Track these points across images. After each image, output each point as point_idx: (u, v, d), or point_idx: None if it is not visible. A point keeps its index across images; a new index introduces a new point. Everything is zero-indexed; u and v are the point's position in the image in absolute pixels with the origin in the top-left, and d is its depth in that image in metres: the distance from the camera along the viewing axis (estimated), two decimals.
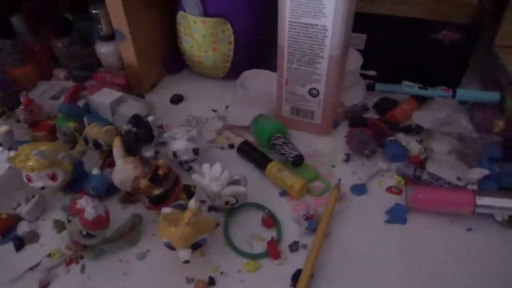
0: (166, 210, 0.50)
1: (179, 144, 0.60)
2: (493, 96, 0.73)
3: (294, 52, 0.64)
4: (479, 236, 0.56)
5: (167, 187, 0.54)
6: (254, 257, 0.53)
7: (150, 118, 0.61)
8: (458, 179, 0.64)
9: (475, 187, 0.61)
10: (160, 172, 0.55)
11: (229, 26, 0.76)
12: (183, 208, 0.51)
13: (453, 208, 0.57)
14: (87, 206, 0.48)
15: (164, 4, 0.81)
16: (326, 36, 0.60)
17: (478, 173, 0.62)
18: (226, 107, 0.78)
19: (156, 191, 0.53)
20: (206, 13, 0.75)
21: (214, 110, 0.78)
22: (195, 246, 0.49)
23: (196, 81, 0.87)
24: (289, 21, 0.61)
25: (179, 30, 0.81)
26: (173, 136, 0.61)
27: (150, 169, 0.55)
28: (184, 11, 0.76)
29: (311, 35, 0.61)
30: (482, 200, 0.55)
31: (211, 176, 0.53)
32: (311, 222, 0.57)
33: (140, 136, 0.59)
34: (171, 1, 0.80)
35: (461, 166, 0.66)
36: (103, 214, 0.50)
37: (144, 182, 0.52)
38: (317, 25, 0.59)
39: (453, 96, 0.75)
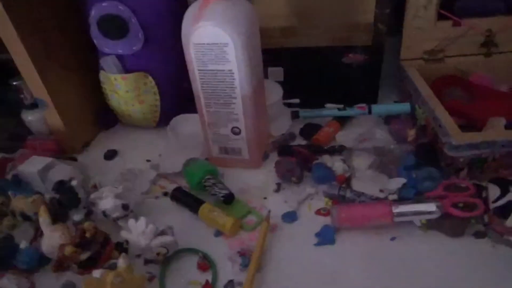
0: (96, 273, 0.50)
1: (107, 202, 0.61)
2: (404, 107, 0.79)
3: (209, 97, 0.67)
4: (402, 243, 0.60)
5: (95, 249, 0.54)
6: None
7: (74, 182, 0.62)
8: (381, 191, 0.68)
9: (395, 196, 0.65)
10: (87, 235, 0.55)
11: (150, 78, 0.79)
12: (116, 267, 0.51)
13: (374, 221, 0.60)
14: (10, 284, 0.48)
15: (83, 66, 0.83)
16: (234, 79, 0.64)
17: (396, 182, 0.66)
18: (160, 155, 0.80)
19: (84, 256, 0.53)
20: (125, 69, 0.78)
21: (148, 160, 0.79)
22: None
23: (130, 134, 0.88)
24: (198, 69, 0.64)
25: (103, 88, 0.83)
26: (100, 196, 0.61)
27: (77, 234, 0.56)
28: (104, 70, 0.79)
29: (220, 80, 0.64)
30: (397, 209, 0.59)
31: (137, 231, 0.54)
32: (245, 258, 0.58)
33: (64, 201, 0.59)
34: (90, 62, 0.82)
35: (383, 178, 0.70)
36: None
37: (68, 249, 0.52)
38: (223, 70, 0.63)
39: (369, 112, 0.80)
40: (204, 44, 0.61)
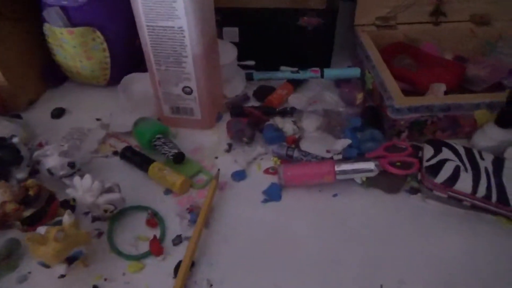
0: (41, 229, 0.50)
1: (52, 160, 0.60)
2: (354, 71, 0.81)
3: (159, 55, 0.66)
4: (344, 199, 0.64)
5: (39, 206, 0.54)
6: (137, 258, 0.55)
7: (15, 139, 0.60)
8: (328, 151, 0.71)
9: (340, 157, 0.69)
10: (30, 192, 0.54)
11: (99, 33, 0.75)
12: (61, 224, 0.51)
13: (318, 179, 0.63)
14: None
15: (26, 17, 0.78)
16: (184, 37, 0.62)
17: (342, 143, 0.69)
18: (110, 114, 0.78)
19: (27, 213, 0.53)
20: (71, 23, 0.74)
21: (98, 119, 0.78)
22: (71, 260, 0.50)
23: (79, 92, 0.85)
24: (147, 25, 0.62)
25: (48, 42, 0.79)
26: (44, 154, 0.60)
27: (20, 191, 0.55)
28: (49, 23, 0.74)
29: (170, 37, 0.63)
30: (340, 167, 0.62)
31: (83, 188, 0.54)
32: (193, 214, 0.60)
33: (5, 158, 0.57)
34: (31, 13, 0.77)
35: (330, 139, 0.73)
36: None
37: (10, 206, 0.52)
38: (173, 27, 0.62)
39: (322, 76, 0.82)
40: None
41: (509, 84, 0.78)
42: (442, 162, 0.62)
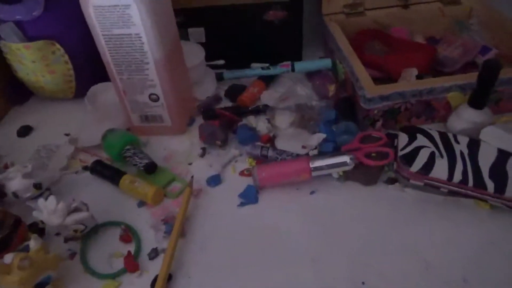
0: (8, 257, 0.48)
1: (16, 183, 0.57)
2: (325, 62, 0.79)
3: (119, 63, 0.63)
4: (322, 196, 0.62)
5: (5, 233, 0.52)
6: (112, 276, 0.53)
7: None
8: (304, 147, 0.70)
9: (316, 152, 0.67)
10: None
11: (58, 46, 0.73)
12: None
13: (294, 178, 0.62)
14: None
15: None
16: (143, 43, 0.60)
17: (317, 138, 0.68)
18: (79, 129, 0.76)
19: None
20: (28, 37, 0.71)
21: (66, 134, 0.75)
22: (40, 286, 0.48)
23: (45, 107, 0.82)
24: (103, 35, 0.60)
25: (7, 59, 0.76)
26: (8, 177, 0.58)
27: None
28: (4, 39, 0.71)
29: (129, 45, 0.61)
30: (314, 164, 0.61)
31: (48, 210, 0.52)
32: (168, 225, 0.58)
33: None
34: None
35: (305, 135, 0.71)
36: None
37: None
38: (130, 34, 0.59)
39: (293, 70, 0.80)
40: (104, 6, 0.56)
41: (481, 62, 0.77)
42: (417, 150, 0.61)
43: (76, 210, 0.54)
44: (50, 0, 0.69)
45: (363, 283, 0.51)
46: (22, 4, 0.68)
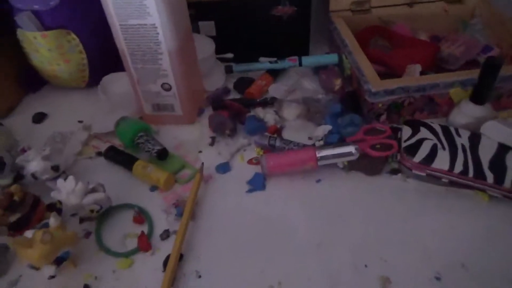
0: (28, 233, 0.50)
1: (35, 165, 0.60)
2: (332, 58, 0.82)
3: (134, 53, 0.66)
4: (326, 184, 0.65)
5: (25, 211, 0.54)
6: (126, 255, 0.56)
7: None
8: (310, 138, 0.72)
9: (321, 143, 0.70)
10: (16, 198, 0.55)
11: (73, 35, 0.75)
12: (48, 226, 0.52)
13: (301, 166, 0.64)
14: None
15: None
16: (158, 33, 0.63)
17: (323, 129, 0.70)
18: (92, 116, 0.78)
19: (13, 218, 0.53)
20: (44, 27, 0.73)
21: (80, 121, 0.78)
22: (59, 261, 0.50)
23: (59, 96, 0.85)
24: (119, 24, 0.62)
25: (23, 47, 0.78)
26: (27, 159, 0.60)
27: (5, 197, 0.55)
28: (22, 28, 0.74)
29: (144, 35, 0.63)
30: (321, 153, 0.63)
31: (67, 190, 0.55)
32: (179, 208, 0.61)
33: None
34: (3, 19, 0.76)
35: (311, 126, 0.74)
36: None
37: None
38: (145, 24, 0.62)
39: (300, 64, 0.82)
40: None
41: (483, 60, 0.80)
42: (420, 142, 0.63)
43: (93, 190, 0.56)
44: None
45: (365, 266, 0.54)
46: None
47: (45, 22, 0.73)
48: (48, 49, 0.75)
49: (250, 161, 0.69)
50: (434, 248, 0.55)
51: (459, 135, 0.65)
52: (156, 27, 0.62)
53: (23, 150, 0.71)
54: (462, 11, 0.90)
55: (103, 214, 0.60)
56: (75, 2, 0.73)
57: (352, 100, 0.75)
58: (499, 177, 0.58)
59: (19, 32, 0.75)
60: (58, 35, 0.74)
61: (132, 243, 0.57)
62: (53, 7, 0.71)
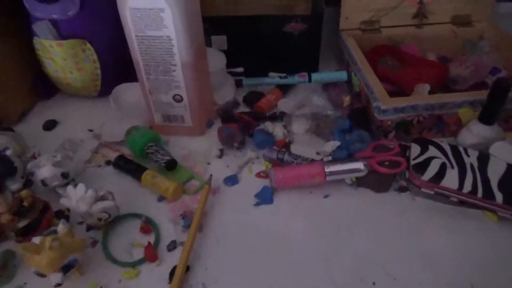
0: (36, 239, 0.50)
1: (45, 171, 0.60)
2: (341, 75, 0.83)
3: (148, 64, 0.67)
4: (335, 200, 0.65)
5: (34, 217, 0.54)
6: (133, 264, 0.56)
7: (8, 151, 0.60)
8: (318, 153, 0.72)
9: (329, 158, 0.70)
10: (25, 203, 0.55)
11: (89, 45, 0.76)
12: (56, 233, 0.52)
13: (309, 181, 0.64)
14: None
15: (16, 32, 0.78)
16: (173, 45, 0.64)
17: (331, 145, 0.71)
18: (103, 124, 0.79)
19: (21, 223, 0.53)
20: (61, 36, 0.75)
21: (90, 130, 0.78)
22: (66, 269, 0.50)
23: (70, 103, 0.86)
24: (136, 35, 0.64)
25: (39, 55, 0.79)
26: (37, 165, 0.61)
27: (14, 202, 0.55)
28: (38, 36, 0.75)
29: (159, 46, 0.64)
30: (329, 168, 0.63)
31: (76, 197, 0.55)
32: (187, 219, 0.61)
33: None
34: (23, 28, 0.77)
35: (319, 142, 0.74)
36: None
37: (5, 217, 0.52)
38: (161, 36, 0.63)
39: (310, 80, 0.83)
40: (140, 8, 0.60)
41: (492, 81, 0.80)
42: (429, 160, 0.64)
43: (103, 198, 0.56)
44: (85, 0, 0.73)
45: (373, 283, 0.53)
46: (59, 3, 0.72)
47: (62, 31, 0.75)
48: (63, 58, 0.76)
49: (258, 174, 0.69)
50: (443, 267, 0.55)
51: (468, 155, 0.65)
52: (171, 39, 0.63)
53: (34, 157, 0.71)
54: (470, 33, 0.91)
55: (110, 223, 0.60)
56: (93, 12, 0.75)
57: (360, 117, 0.75)
58: (509, 197, 0.58)
59: (35, 40, 0.77)
60: (73, 45, 0.75)
61: (139, 253, 0.57)
62: (71, 16, 0.73)
